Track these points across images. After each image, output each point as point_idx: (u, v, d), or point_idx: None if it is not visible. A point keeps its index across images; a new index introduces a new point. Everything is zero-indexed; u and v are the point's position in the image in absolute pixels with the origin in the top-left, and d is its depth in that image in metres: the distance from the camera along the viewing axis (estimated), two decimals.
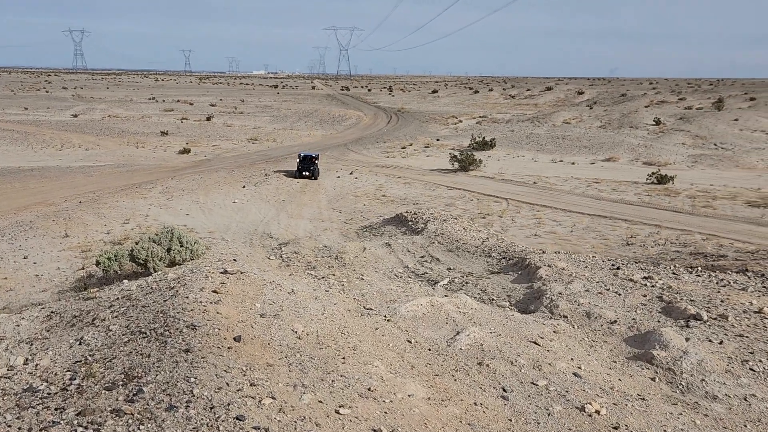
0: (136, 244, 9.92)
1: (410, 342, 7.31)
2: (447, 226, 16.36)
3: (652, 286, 10.02)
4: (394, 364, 6.28)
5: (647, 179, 37.12)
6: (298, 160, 40.13)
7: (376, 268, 12.87)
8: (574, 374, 6.83)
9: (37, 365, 5.87)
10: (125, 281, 9.38)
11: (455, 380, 6.31)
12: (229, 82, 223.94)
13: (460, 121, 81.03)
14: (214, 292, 7.41)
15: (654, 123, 61.79)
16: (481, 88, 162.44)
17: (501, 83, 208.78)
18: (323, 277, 11.15)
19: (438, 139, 61.18)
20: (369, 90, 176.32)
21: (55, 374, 5.76)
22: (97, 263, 11.69)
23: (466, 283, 11.40)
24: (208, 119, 79.15)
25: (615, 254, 17.82)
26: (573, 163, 46.18)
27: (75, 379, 5.90)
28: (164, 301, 7.16)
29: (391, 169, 43.23)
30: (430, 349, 7.17)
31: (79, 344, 6.38)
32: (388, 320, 7.82)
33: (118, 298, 8.01)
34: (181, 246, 10.08)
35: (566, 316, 8.89)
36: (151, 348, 6.03)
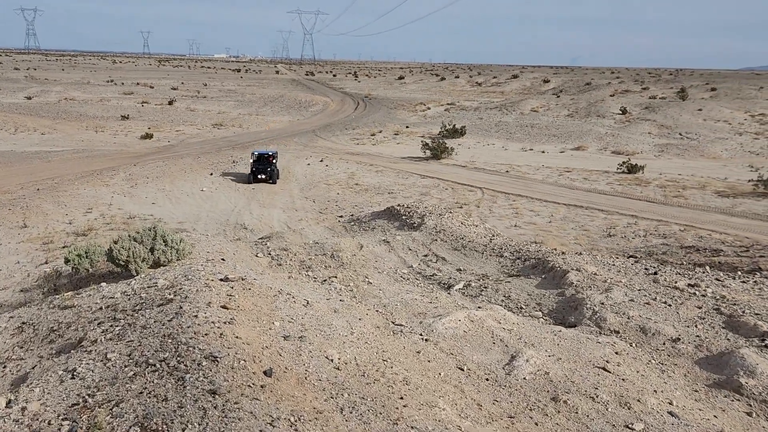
0: (115, 243, 9.09)
1: (462, 370, 6.51)
2: (446, 222, 15.68)
3: (703, 295, 9.46)
4: (459, 403, 5.57)
5: (618, 168, 37.34)
6: (251, 161, 33.59)
7: (378, 269, 12.17)
8: (670, 413, 6.15)
9: (24, 409, 4.75)
10: (103, 284, 8.49)
11: (536, 424, 5.57)
12: (190, 65, 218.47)
13: (429, 108, 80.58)
14: (223, 307, 6.50)
15: (620, 112, 62.44)
16: (447, 75, 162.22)
17: (467, 70, 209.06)
18: (326, 280, 10.42)
19: (407, 126, 60.62)
20: (334, 75, 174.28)
21: (49, 424, 4.68)
22: (66, 261, 10.78)
23: (485, 287, 10.69)
24: (170, 103, 76.84)
25: (600, 246, 17.65)
26: (543, 152, 46.25)
27: None
28: (168, 320, 6.17)
29: (362, 156, 42.53)
30: (487, 379, 6.38)
31: (72, 378, 5.29)
32: (426, 340, 7.07)
33: (101, 308, 7.11)
34: (166, 245, 9.29)
35: (618, 332, 8.24)
36: (166, 387, 4.95)
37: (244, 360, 5.16)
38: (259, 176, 32.81)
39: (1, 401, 4.84)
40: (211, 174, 34.88)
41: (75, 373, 5.29)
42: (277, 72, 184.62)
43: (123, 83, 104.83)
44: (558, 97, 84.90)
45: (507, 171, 37.56)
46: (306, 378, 5.12)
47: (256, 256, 12.43)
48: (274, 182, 32.91)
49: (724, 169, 39.21)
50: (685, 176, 36.06)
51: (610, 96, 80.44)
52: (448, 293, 10.29)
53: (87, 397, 4.91)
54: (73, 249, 10.87)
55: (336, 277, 10.79)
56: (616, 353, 7.21)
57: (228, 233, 21.29)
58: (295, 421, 4.31)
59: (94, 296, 7.62)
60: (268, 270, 10.71)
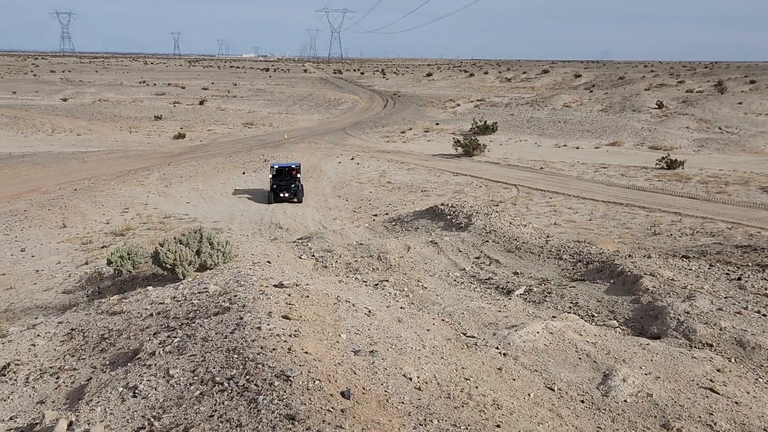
0: (161, 245, 8.97)
1: (552, 390, 6.01)
2: (495, 221, 15.19)
3: None
4: (560, 430, 5.21)
5: (656, 164, 36.32)
6: (270, 176, 29.61)
7: (428, 272, 11.79)
8: None
9: None
10: (150, 288, 8.35)
11: None
12: (220, 65, 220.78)
13: (458, 105, 79.87)
14: (285, 317, 6.20)
15: (657, 106, 60.98)
16: (475, 71, 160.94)
17: (495, 66, 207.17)
18: (378, 284, 10.13)
19: (437, 123, 60.12)
20: (362, 73, 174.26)
21: None
22: (109, 262, 10.74)
23: (548, 293, 10.18)
24: (201, 103, 77.60)
25: (647, 245, 17.08)
26: (577, 148, 45.33)
27: None
28: (231, 333, 5.85)
29: (393, 154, 42.21)
30: (583, 401, 5.88)
31: (134, 396, 4.95)
32: (504, 355, 6.62)
33: (152, 315, 6.93)
34: (212, 248, 9.15)
35: (711, 345, 7.62)
36: (239, 411, 4.57)
37: (319, 380, 4.81)
38: (281, 194, 28.62)
39: (63, 424, 4.61)
40: (244, 173, 34.97)
41: (137, 391, 4.97)
42: (305, 71, 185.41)
43: (155, 84, 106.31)
44: (591, 91, 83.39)
45: (541, 167, 36.88)
46: (387, 401, 4.76)
47: (300, 258, 12.22)
48: (300, 201, 28.72)
49: (767, 164, 37.90)
50: (726, 171, 34.92)
51: (645, 90, 78.68)
52: (509, 299, 9.85)
53: (152, 419, 4.62)
54: (116, 250, 10.83)
55: (387, 280, 10.47)
56: (718, 370, 6.59)
57: (264, 233, 21.22)
58: None
59: (142, 301, 7.45)
60: (314, 273, 10.48)
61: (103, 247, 19.25)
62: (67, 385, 5.64)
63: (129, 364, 5.54)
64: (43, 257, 18.53)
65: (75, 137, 50.76)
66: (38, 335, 6.90)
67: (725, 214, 23.31)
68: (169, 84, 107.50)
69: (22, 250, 19.30)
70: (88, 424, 4.59)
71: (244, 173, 34.98)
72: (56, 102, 76.26)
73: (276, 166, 30.28)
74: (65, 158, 40.49)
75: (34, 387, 5.69)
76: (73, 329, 7.06)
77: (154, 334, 6.13)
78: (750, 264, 10.66)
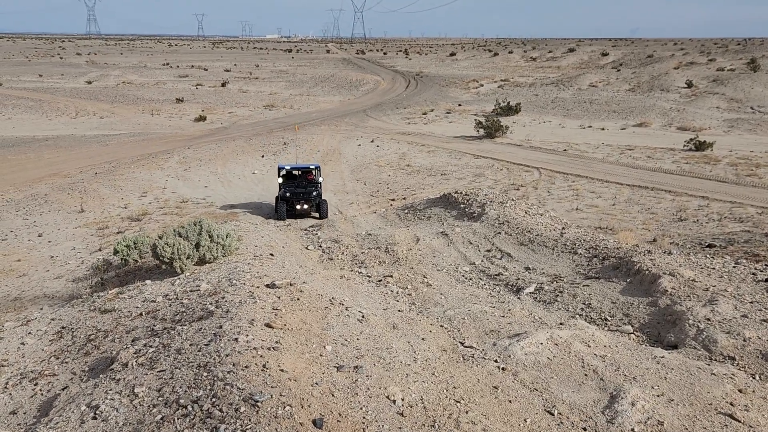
0: (160, 238, 8.77)
1: (552, 414, 5.47)
2: (509, 211, 14.65)
3: None
4: None
5: (684, 146, 35.24)
6: (279, 181, 22.44)
7: (436, 266, 11.39)
8: None
9: None
10: (148, 282, 8.18)
11: None
12: (243, 47, 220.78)
13: (481, 85, 78.67)
14: (268, 326, 5.91)
15: (686, 86, 59.24)
16: (500, 51, 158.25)
17: (520, 45, 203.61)
18: (381, 280, 9.79)
19: (459, 104, 59.26)
20: (385, 53, 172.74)
21: None
22: (115, 251, 10.61)
23: (560, 291, 9.67)
24: (223, 85, 77.65)
25: (671, 232, 16.44)
26: (603, 129, 44.25)
27: None
28: (206, 345, 5.54)
29: (413, 136, 41.67)
30: (585, 429, 5.45)
31: (94, 418, 4.68)
32: (503, 369, 6.17)
33: (141, 314, 6.73)
34: (212, 241, 8.92)
35: (734, 358, 7.02)
36: None
37: (290, 405, 4.48)
38: (297, 206, 21.61)
39: None
40: (263, 156, 34.82)
41: (98, 412, 4.73)
42: (328, 51, 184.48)
43: (178, 66, 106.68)
44: (618, 70, 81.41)
45: (565, 150, 36.05)
46: (365, 429, 4.45)
47: (306, 248, 11.96)
48: (325, 215, 21.48)
49: None
50: (758, 153, 33.74)
51: (674, 69, 76.49)
52: (518, 297, 9.41)
53: None
54: (122, 240, 10.69)
55: (392, 276, 10.13)
56: (740, 391, 5.99)
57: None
58: None
59: (135, 298, 7.27)
60: (318, 266, 10.21)
61: (118, 233, 19.25)
62: (42, 394, 5.47)
63: (101, 375, 5.34)
64: (59, 243, 18.60)
65: (98, 120, 51.14)
66: (29, 333, 6.78)
67: (755, 198, 22.46)
68: (192, 66, 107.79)
69: (39, 236, 19.40)
70: None
71: (263, 156, 34.82)
72: (81, 85, 76.92)
73: (287, 167, 23.21)
74: (87, 141, 40.79)
75: (11, 394, 5.53)
76: (63, 327, 6.92)
77: (133, 341, 5.91)
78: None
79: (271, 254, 10.21)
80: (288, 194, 21.88)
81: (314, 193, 22.03)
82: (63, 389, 5.47)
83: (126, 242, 10.65)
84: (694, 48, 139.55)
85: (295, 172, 23.41)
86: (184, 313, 6.45)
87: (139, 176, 29.46)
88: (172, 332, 5.90)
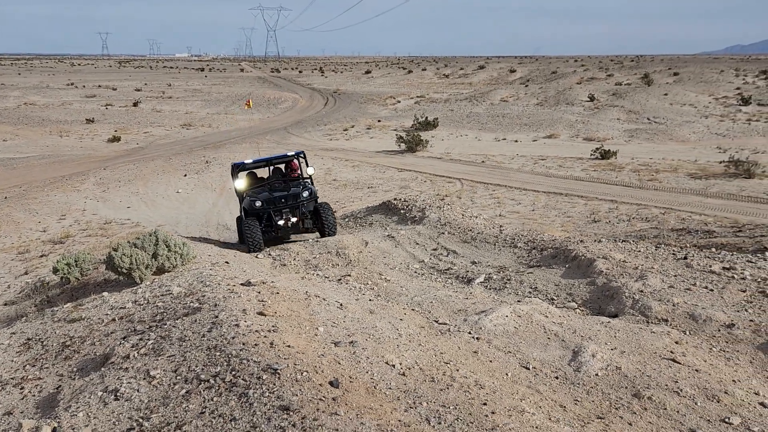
0: (115, 250, 8.75)
1: (528, 369, 6.26)
2: (448, 214, 15.46)
3: (742, 278, 9.35)
4: (542, 405, 5.37)
5: (591, 155, 37.71)
6: (239, 187, 16.17)
7: (388, 265, 11.89)
8: (761, 404, 5.99)
9: None
10: (105, 294, 8.12)
11: (630, 424, 5.31)
12: (152, 66, 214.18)
13: (399, 102, 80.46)
14: (261, 314, 6.18)
15: (588, 99, 63.22)
16: (413, 68, 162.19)
17: (432, 63, 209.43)
18: (341, 279, 10.17)
19: (379, 120, 60.45)
20: (300, 72, 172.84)
21: None
22: (55, 270, 10.37)
23: (507, 279, 10.49)
24: (135, 105, 75.29)
25: (588, 232, 17.78)
26: (516, 141, 46.53)
27: None
28: (208, 331, 5.76)
29: (337, 152, 42.23)
30: (557, 377, 6.15)
31: (116, 399, 4.69)
32: (478, 339, 6.83)
33: (114, 320, 6.75)
34: (169, 250, 8.99)
35: (666, 320, 8.07)
36: (230, 406, 4.53)
37: (306, 371, 4.84)
38: (281, 221, 14.62)
39: (47, 430, 4.47)
40: (185, 175, 34.24)
41: (118, 394, 4.83)
42: (242, 70, 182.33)
43: (84, 86, 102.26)
44: (526, 86, 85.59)
45: (483, 161, 37.70)
46: (375, 387, 4.87)
47: (257, 257, 12.14)
48: (332, 229, 14.70)
49: (693, 151, 39.94)
50: (656, 160, 36.62)
51: (577, 83, 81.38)
52: (470, 287, 10.13)
53: (141, 420, 4.52)
54: (62, 258, 10.48)
55: (350, 275, 10.54)
56: (676, 343, 7.05)
57: (211, 234, 20.86)
58: None
59: (101, 307, 7.25)
60: (274, 272, 10.45)
61: (42, 256, 18.49)
62: (34, 395, 5.44)
63: (103, 368, 5.41)
64: None
65: (1, 143, 48.38)
66: None
67: (658, 200, 24.50)
68: (100, 86, 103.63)
69: None
70: (73, 429, 4.44)
71: (185, 175, 34.23)
72: None
73: (247, 164, 16.06)
74: None
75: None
76: (29, 339, 6.80)
77: (123, 338, 5.99)
78: (687, 246, 11.35)
79: (227, 261, 10.37)
80: (259, 204, 14.52)
81: (305, 195, 14.92)
82: (57, 388, 5.48)
83: (66, 260, 10.45)
84: (594, 64, 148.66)
85: (262, 170, 16.54)
86: (165, 314, 6.57)
87: (54, 199, 28.27)
88: (165, 326, 6.04)
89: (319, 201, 15.52)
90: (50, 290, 10.61)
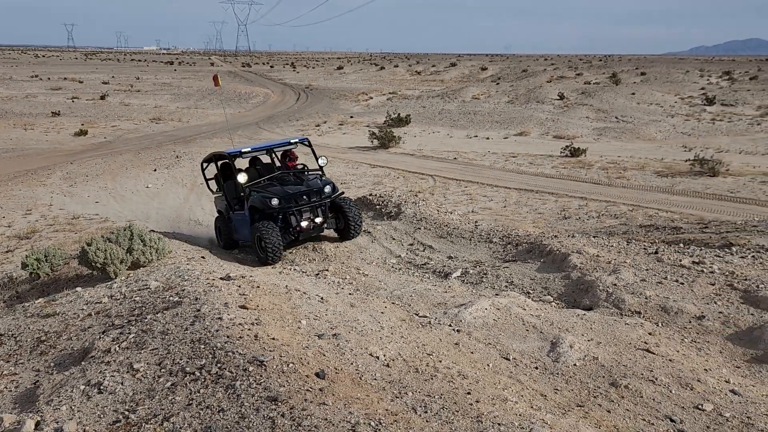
0: (89, 245, 8.62)
1: (508, 359, 6.42)
2: (424, 209, 15.58)
3: (711, 272, 9.63)
4: (524, 394, 5.51)
5: (561, 152, 38.23)
6: (242, 181, 13.43)
7: (365, 260, 11.91)
8: (732, 391, 6.24)
9: (59, 431, 4.36)
10: (79, 289, 8.00)
11: (608, 412, 5.53)
12: (120, 59, 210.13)
13: (371, 98, 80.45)
14: (243, 307, 6.18)
15: (558, 98, 64.09)
16: (385, 65, 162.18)
17: (404, 59, 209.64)
18: (318, 274, 10.18)
19: (351, 116, 60.37)
20: (271, 67, 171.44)
21: None
22: (24, 266, 10.16)
23: (484, 274, 10.63)
24: (103, 98, 73.85)
25: (558, 228, 18.07)
26: (487, 138, 46.92)
27: None
28: (191, 324, 5.74)
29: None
30: (536, 368, 6.32)
31: (100, 392, 4.60)
32: (458, 331, 6.95)
33: (90, 314, 6.65)
34: (144, 245, 8.88)
35: (639, 312, 8.31)
36: (217, 397, 4.51)
37: (292, 363, 4.87)
38: (304, 223, 12.83)
39: (30, 424, 4.37)
40: (155, 170, 33.74)
41: (102, 387, 4.77)
42: (212, 64, 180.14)
43: (49, 78, 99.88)
44: (497, 84, 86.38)
45: (455, 158, 37.94)
46: (360, 378, 4.94)
47: (232, 252, 12.10)
48: (357, 228, 13.45)
49: (659, 150, 40.79)
50: (624, 158, 37.29)
51: (547, 82, 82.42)
52: (447, 281, 10.25)
53: (127, 413, 4.48)
54: (31, 253, 10.28)
55: (328, 270, 10.56)
56: (650, 334, 7.33)
57: (183, 230, 20.63)
58: (377, 425, 4.06)
59: (75, 302, 7.15)
60: (251, 266, 10.42)
61: (7, 252, 18.07)
62: (11, 390, 5.35)
63: (83, 362, 5.34)
64: None
65: None
66: None
67: (626, 197, 25.01)
68: (65, 78, 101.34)
69: None
70: (57, 422, 4.37)
71: (155, 170, 33.74)
72: None
73: (249, 151, 14.35)
74: None
75: None
76: (1, 335, 6.68)
77: (102, 333, 5.91)
78: (656, 241, 11.66)
79: (203, 257, 10.30)
80: (276, 203, 12.32)
81: (327, 190, 13.14)
82: (35, 383, 5.40)
83: (36, 255, 10.25)
84: (563, 63, 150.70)
85: (265, 158, 14.86)
86: (144, 308, 6.51)
87: (19, 193, 27.62)
88: (145, 320, 5.99)
89: (341, 196, 13.54)
90: (19, 286, 10.40)
